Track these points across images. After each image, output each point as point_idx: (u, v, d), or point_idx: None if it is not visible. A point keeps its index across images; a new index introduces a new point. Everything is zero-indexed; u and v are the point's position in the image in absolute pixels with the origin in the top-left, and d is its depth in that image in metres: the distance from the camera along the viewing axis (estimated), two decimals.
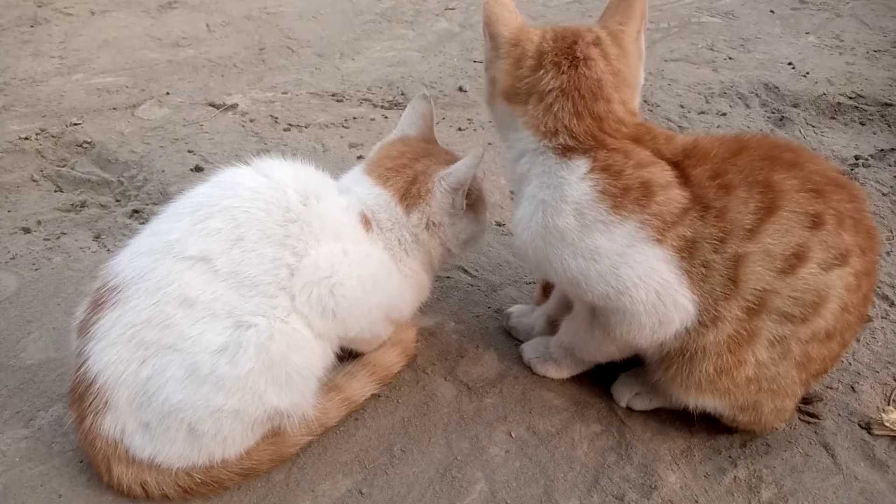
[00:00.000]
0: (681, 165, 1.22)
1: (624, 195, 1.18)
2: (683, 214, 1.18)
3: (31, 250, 1.89)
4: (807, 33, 3.26)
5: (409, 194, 1.39)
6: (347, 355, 1.43)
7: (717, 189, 1.19)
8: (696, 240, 1.19)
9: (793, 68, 2.89)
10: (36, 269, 1.82)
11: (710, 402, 1.29)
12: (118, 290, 1.19)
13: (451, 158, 1.45)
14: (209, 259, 1.18)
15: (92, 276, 1.76)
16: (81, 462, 1.31)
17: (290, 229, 1.24)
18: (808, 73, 2.83)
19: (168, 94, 2.64)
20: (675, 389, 1.30)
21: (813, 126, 2.51)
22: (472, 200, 1.42)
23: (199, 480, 1.23)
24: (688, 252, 1.19)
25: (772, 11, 3.50)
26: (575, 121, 1.21)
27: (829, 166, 1.28)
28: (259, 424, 1.24)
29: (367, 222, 1.36)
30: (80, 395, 1.20)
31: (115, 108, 2.54)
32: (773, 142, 1.28)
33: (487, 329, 1.65)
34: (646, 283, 1.19)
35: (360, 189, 1.40)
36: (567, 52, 1.22)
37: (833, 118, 2.58)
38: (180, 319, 1.16)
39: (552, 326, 1.57)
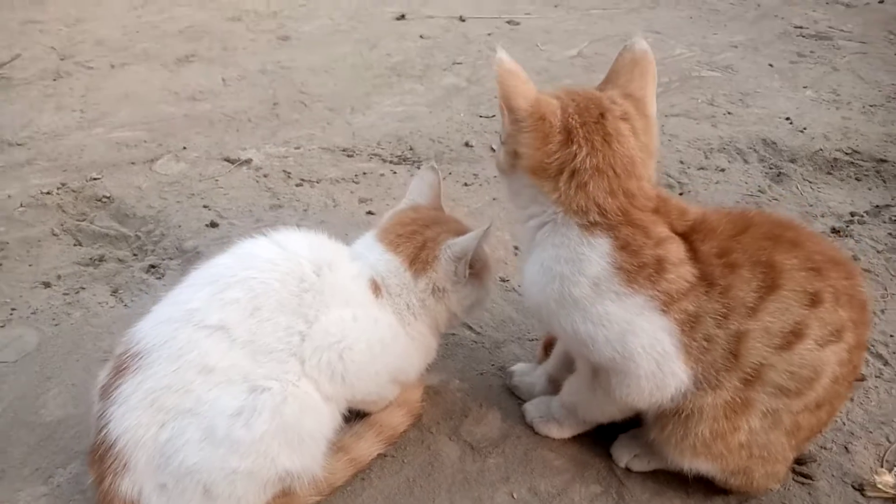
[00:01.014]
0: (690, 239, 1.27)
1: (639, 271, 1.22)
2: (690, 291, 1.23)
3: (51, 305, 1.97)
4: (804, 87, 3.35)
5: (418, 260, 1.46)
6: (354, 416, 1.48)
7: (723, 267, 1.24)
8: (699, 314, 1.24)
9: (790, 123, 2.97)
10: (56, 325, 1.89)
11: (703, 465, 1.34)
12: (140, 357, 1.25)
13: (459, 227, 1.51)
14: (227, 328, 1.25)
15: (110, 332, 1.85)
16: None
17: (304, 298, 1.31)
18: (805, 129, 2.91)
19: (185, 148, 2.74)
20: (669, 451, 1.34)
21: (809, 182, 2.58)
22: (476, 269, 1.48)
23: None
24: (689, 325, 1.24)
25: (770, 65, 3.60)
26: (609, 199, 1.23)
27: (828, 245, 1.34)
28: (271, 485, 1.29)
29: (376, 288, 1.43)
30: (101, 457, 1.26)
31: (133, 163, 2.63)
32: (776, 220, 1.34)
33: (491, 387, 1.70)
34: (648, 351, 1.24)
35: (371, 255, 1.47)
36: (598, 128, 1.23)
37: (829, 174, 2.64)
38: (199, 385, 1.22)
39: (553, 385, 1.62)
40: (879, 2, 4.59)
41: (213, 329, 1.25)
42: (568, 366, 1.57)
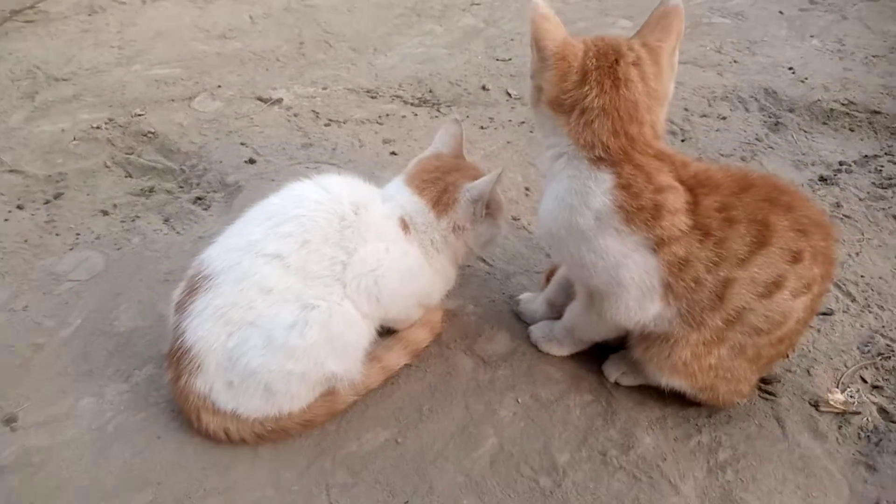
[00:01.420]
0: (694, 192, 1.42)
1: (637, 213, 1.40)
2: (682, 237, 1.42)
3: (111, 231, 2.21)
4: (811, 36, 3.46)
5: (441, 202, 1.68)
6: (386, 332, 1.74)
7: (721, 221, 1.41)
8: (688, 259, 1.43)
9: (793, 73, 3.10)
10: (118, 249, 2.13)
11: (677, 382, 1.59)
12: (210, 278, 1.50)
13: (477, 173, 1.73)
14: (282, 256, 1.49)
15: (167, 257, 2.10)
16: (173, 411, 1.64)
17: (345, 233, 1.54)
18: (806, 79, 3.05)
19: (219, 87, 2.93)
20: (651, 369, 1.59)
21: (805, 131, 2.75)
22: (491, 210, 1.70)
23: (270, 428, 1.56)
24: (678, 267, 1.44)
25: (780, 12, 3.69)
26: (612, 138, 1.38)
27: (815, 209, 1.52)
28: (319, 385, 1.57)
29: (405, 226, 1.66)
30: (178, 359, 1.53)
31: (172, 100, 2.83)
32: (774, 183, 1.50)
33: (501, 312, 1.95)
34: (636, 283, 1.47)
35: (400, 197, 1.69)
36: (610, 72, 1.36)
37: (825, 123, 2.81)
38: (260, 303, 1.47)
39: (551, 308, 1.86)
40: None
41: (270, 257, 1.49)
42: (565, 293, 1.81)
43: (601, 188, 1.42)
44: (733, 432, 1.64)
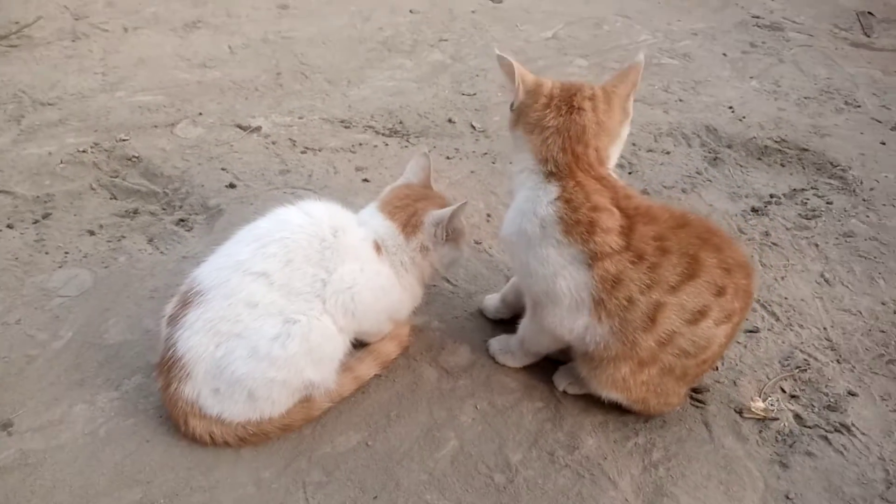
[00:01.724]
0: (632, 219, 1.63)
1: (574, 226, 1.61)
2: (613, 255, 1.62)
3: (98, 250, 2.35)
4: (751, 78, 3.77)
5: (409, 225, 1.87)
6: (358, 345, 1.92)
7: (656, 248, 1.61)
8: (621, 278, 1.62)
9: (733, 112, 3.39)
10: (105, 267, 2.28)
11: (613, 395, 1.79)
12: (202, 294, 1.66)
13: (442, 202, 1.93)
14: (268, 274, 1.66)
15: (151, 275, 2.24)
16: (161, 417, 1.78)
17: (325, 254, 1.72)
18: (744, 117, 3.34)
19: (200, 114, 3.09)
20: (592, 383, 1.80)
21: (741, 165, 3.03)
22: (452, 235, 1.90)
23: (252, 432, 1.72)
24: (610, 285, 1.64)
25: (724, 54, 4.01)
26: (560, 154, 1.64)
27: (740, 251, 1.73)
28: (297, 392, 1.73)
29: (378, 248, 1.84)
30: (168, 368, 1.68)
31: (155, 126, 2.98)
32: (707, 226, 1.72)
33: (464, 328, 2.14)
34: (569, 294, 1.67)
35: (374, 222, 1.88)
36: (567, 100, 1.66)
37: (759, 159, 3.09)
38: (246, 316, 1.64)
39: (505, 305, 2.11)
40: None
41: (257, 275, 1.66)
42: (516, 293, 2.04)
43: (548, 198, 1.65)
44: (666, 435, 1.85)
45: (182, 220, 2.49)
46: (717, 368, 2.06)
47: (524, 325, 1.91)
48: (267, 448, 1.74)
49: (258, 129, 3.00)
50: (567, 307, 1.69)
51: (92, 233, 2.42)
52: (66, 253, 2.32)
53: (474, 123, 3.18)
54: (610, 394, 1.80)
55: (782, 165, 3.06)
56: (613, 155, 1.75)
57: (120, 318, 2.08)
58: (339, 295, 1.73)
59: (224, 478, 1.67)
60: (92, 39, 3.66)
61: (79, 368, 1.92)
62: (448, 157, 2.93)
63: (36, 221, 2.44)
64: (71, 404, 1.82)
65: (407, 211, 1.89)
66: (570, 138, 1.65)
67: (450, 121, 3.18)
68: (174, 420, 1.73)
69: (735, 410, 1.95)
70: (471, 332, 2.13)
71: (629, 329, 1.67)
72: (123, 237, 2.41)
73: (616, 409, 1.88)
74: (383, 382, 1.94)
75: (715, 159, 3.04)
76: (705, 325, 1.67)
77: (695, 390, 1.98)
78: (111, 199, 2.60)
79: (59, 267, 2.27)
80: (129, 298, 2.15)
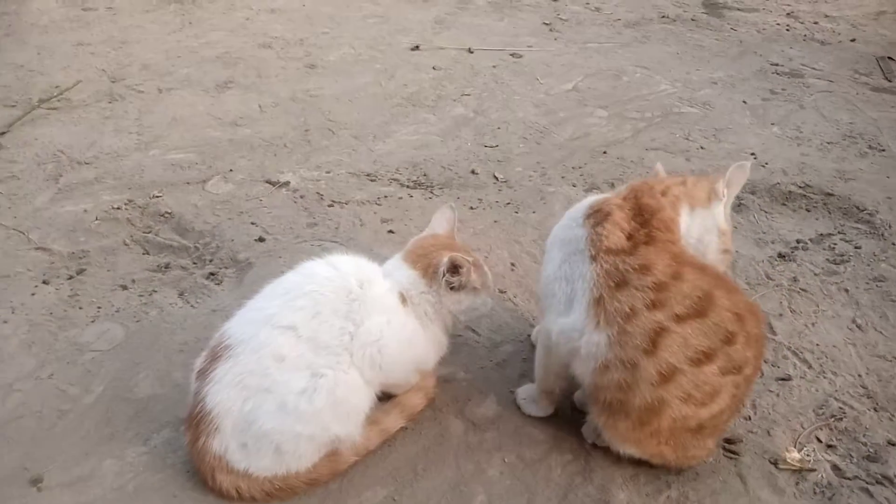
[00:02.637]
0: (655, 238, 1.68)
1: (592, 213, 1.78)
2: (619, 253, 1.66)
3: (130, 304, 2.40)
4: (772, 124, 3.78)
5: (429, 272, 1.88)
6: (384, 397, 1.92)
7: (669, 269, 1.62)
8: (626, 280, 1.62)
9: (755, 158, 3.40)
10: (137, 321, 2.32)
11: (629, 449, 1.76)
12: (230, 348, 1.69)
13: (465, 252, 1.95)
14: (296, 328, 1.69)
15: (182, 328, 2.28)
16: (188, 472, 1.79)
17: (353, 306, 1.74)
18: (767, 163, 3.34)
19: (231, 170, 3.18)
20: (607, 437, 1.77)
21: (765, 211, 3.02)
22: (463, 283, 1.88)
23: (278, 486, 1.71)
24: (613, 283, 1.63)
25: (744, 102, 4.03)
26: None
27: (751, 301, 1.77)
28: (324, 446, 1.73)
29: (403, 299, 1.86)
30: (197, 422, 1.69)
31: (188, 183, 3.07)
32: (722, 275, 1.76)
33: (489, 378, 2.13)
34: (569, 281, 1.73)
35: (398, 273, 1.90)
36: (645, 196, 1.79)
37: (784, 204, 3.08)
38: (274, 370, 1.66)
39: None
40: (851, 40, 5.02)
41: (285, 328, 1.69)
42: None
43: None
44: (700, 488, 1.81)
45: (212, 274, 2.54)
46: (749, 418, 2.02)
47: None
48: (293, 503, 1.73)
49: (287, 184, 3.08)
50: (562, 302, 1.72)
51: (125, 287, 2.48)
52: (99, 308, 2.38)
53: (497, 174, 3.22)
54: (625, 448, 1.77)
55: (807, 210, 3.04)
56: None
57: (150, 372, 2.11)
58: (366, 348, 1.74)
59: None
60: (128, 101, 3.81)
61: (109, 423, 1.94)
62: (472, 208, 2.97)
63: (70, 277, 2.51)
64: (101, 459, 1.83)
65: (430, 258, 1.90)
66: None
67: (473, 172, 3.23)
68: (201, 475, 1.73)
69: (770, 461, 1.90)
70: (497, 382, 2.12)
71: (629, 345, 1.62)
72: (155, 291, 2.46)
73: (647, 461, 1.84)
74: (409, 435, 1.93)
75: (739, 205, 3.03)
76: (709, 370, 1.63)
77: (727, 440, 1.94)
78: (144, 254, 2.67)
79: (92, 322, 2.32)
80: (159, 352, 2.19)
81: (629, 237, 1.70)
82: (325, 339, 1.70)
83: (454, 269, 1.85)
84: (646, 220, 1.72)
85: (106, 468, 1.81)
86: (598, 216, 1.75)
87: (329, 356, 1.70)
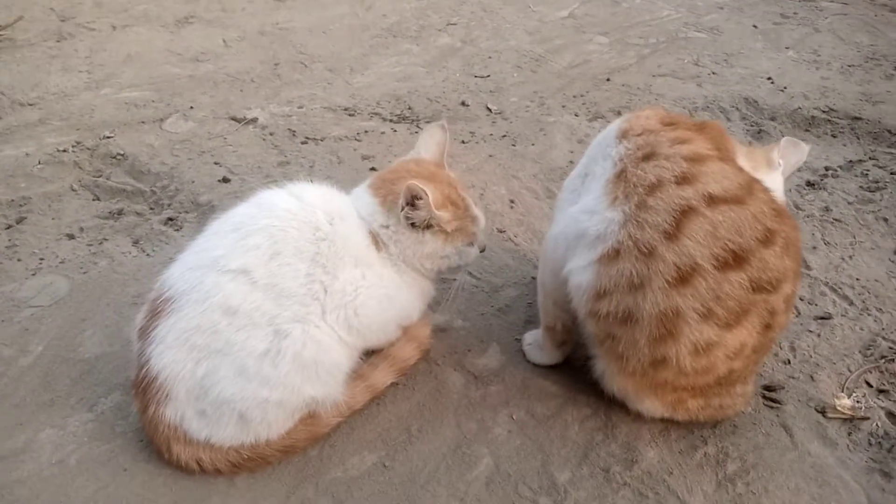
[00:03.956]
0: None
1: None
2: (652, 132, 1.44)
3: (77, 255, 2.09)
4: (786, 48, 3.47)
5: (387, 202, 1.53)
6: (369, 351, 1.63)
7: (708, 152, 1.38)
8: (656, 152, 1.37)
9: (772, 83, 3.10)
10: (84, 273, 2.02)
11: (645, 401, 1.50)
12: (172, 301, 1.38)
13: (451, 184, 1.60)
14: (248, 272, 1.37)
15: (135, 279, 1.98)
16: (141, 441, 1.51)
17: (320, 247, 1.43)
18: (785, 88, 3.05)
19: (192, 108, 2.84)
20: (614, 384, 1.50)
21: None
22: (423, 219, 1.51)
23: (247, 457, 1.44)
24: (641, 156, 1.38)
25: (755, 26, 3.71)
26: None
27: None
28: (297, 410, 1.46)
29: (376, 241, 1.53)
30: (144, 389, 1.40)
31: (143, 122, 2.73)
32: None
33: (491, 326, 1.86)
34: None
35: (358, 201, 1.56)
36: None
37: (807, 131, 2.79)
38: (225, 326, 1.35)
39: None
40: None
41: (235, 273, 1.37)
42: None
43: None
44: (740, 442, 1.55)
45: (170, 220, 2.23)
46: (788, 362, 1.76)
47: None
48: (266, 474, 1.46)
49: (254, 120, 2.75)
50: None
51: (71, 236, 2.17)
52: (42, 259, 2.07)
53: (490, 105, 2.91)
54: (640, 399, 1.51)
55: (833, 136, 2.76)
56: None
57: (98, 329, 1.82)
58: (339, 310, 1.44)
59: None
60: (78, 39, 3.43)
61: (48, 387, 1.65)
62: (463, 142, 2.66)
63: (9, 227, 2.19)
64: (37, 429, 1.55)
65: (393, 185, 1.54)
66: None
67: (463, 104, 2.91)
68: (156, 446, 1.46)
69: (817, 410, 1.64)
70: (499, 330, 1.85)
71: (648, 223, 1.32)
72: (106, 240, 2.15)
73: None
74: (401, 391, 1.65)
75: (759, 132, 2.75)
76: (738, 279, 1.30)
77: (767, 387, 1.69)
78: (93, 199, 2.35)
79: (33, 274, 2.01)
80: (108, 306, 1.89)
81: (668, 123, 1.43)
82: (288, 287, 1.39)
83: (412, 200, 1.49)
84: (700, 127, 1.45)
85: (43, 439, 1.53)
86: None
87: (295, 306, 1.39)
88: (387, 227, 1.54)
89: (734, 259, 1.30)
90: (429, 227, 1.53)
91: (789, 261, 1.35)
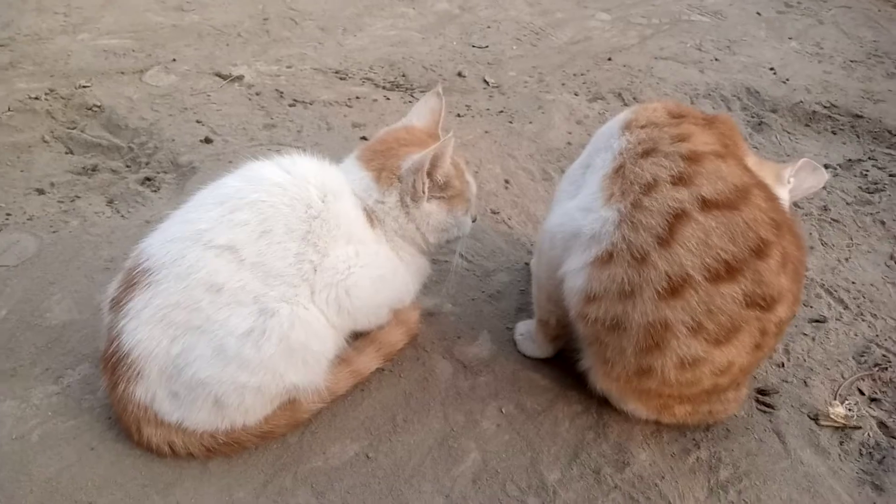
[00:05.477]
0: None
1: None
2: (656, 126, 1.38)
3: (47, 212, 1.97)
4: (790, 38, 3.41)
5: (382, 177, 1.45)
6: (356, 334, 1.55)
7: (709, 151, 1.30)
8: (656, 146, 1.31)
9: (774, 74, 3.04)
10: (54, 232, 1.90)
11: (630, 403, 1.47)
12: (150, 273, 1.28)
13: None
14: (236, 249, 1.28)
15: (108, 242, 1.88)
16: (109, 418, 1.43)
17: (313, 225, 1.34)
18: (787, 80, 2.99)
19: (174, 60, 2.69)
20: (599, 381, 1.46)
21: (788, 132, 2.68)
22: (443, 191, 1.48)
23: (222, 441, 1.37)
24: (640, 152, 1.32)
25: (758, 13, 3.64)
26: None
27: (793, 217, 1.39)
28: (277, 397, 1.38)
29: (370, 218, 1.45)
30: (114, 365, 1.31)
31: (122, 73, 2.59)
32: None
33: (482, 312, 1.79)
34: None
35: (350, 174, 1.47)
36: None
37: (808, 125, 2.74)
38: (207, 304, 1.26)
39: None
40: None
41: (221, 249, 1.28)
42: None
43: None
44: (733, 448, 1.52)
45: (148, 179, 2.12)
46: (782, 365, 1.73)
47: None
48: (242, 460, 1.39)
49: (240, 77, 2.61)
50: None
51: (41, 192, 2.05)
52: (8, 215, 1.95)
53: (487, 78, 2.80)
54: (625, 400, 1.47)
55: (833, 133, 2.71)
56: None
57: (66, 294, 1.71)
58: (330, 290, 1.36)
59: (186, 498, 1.32)
60: None
61: (11, 355, 1.56)
62: (459, 115, 2.56)
63: None
64: None
65: (387, 158, 1.47)
66: None
67: (460, 74, 2.80)
68: (125, 427, 1.37)
69: (810, 416, 1.61)
70: (490, 317, 1.78)
71: (642, 226, 1.26)
72: (78, 197, 2.03)
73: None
74: (387, 378, 1.58)
75: (759, 124, 2.69)
76: (729, 291, 1.24)
77: (760, 391, 1.65)
78: (66, 153, 2.22)
79: None
80: (78, 269, 1.78)
81: (676, 115, 1.36)
82: (276, 266, 1.30)
83: (431, 171, 1.43)
84: (710, 121, 1.37)
85: (4, 412, 1.44)
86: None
87: (283, 287, 1.31)
88: (382, 202, 1.46)
89: (727, 271, 1.24)
90: (433, 198, 1.47)
91: (786, 279, 1.28)
